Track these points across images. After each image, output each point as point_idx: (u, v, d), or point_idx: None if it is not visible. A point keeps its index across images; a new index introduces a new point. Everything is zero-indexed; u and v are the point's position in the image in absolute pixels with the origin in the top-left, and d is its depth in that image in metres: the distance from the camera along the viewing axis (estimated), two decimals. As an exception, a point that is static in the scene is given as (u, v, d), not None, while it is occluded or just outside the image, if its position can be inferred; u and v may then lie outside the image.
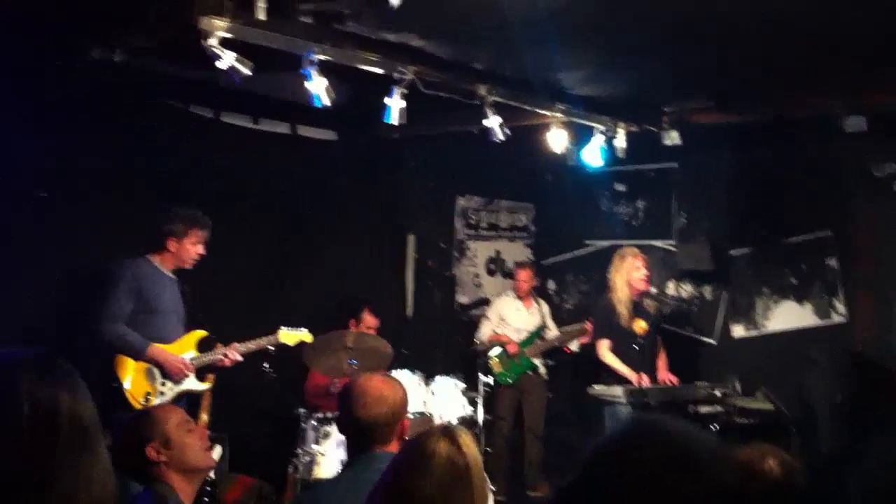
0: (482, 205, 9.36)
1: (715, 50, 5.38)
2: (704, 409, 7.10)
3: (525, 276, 8.26)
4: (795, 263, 7.91)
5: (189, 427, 3.13)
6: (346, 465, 3.29)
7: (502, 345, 7.99)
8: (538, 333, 8.26)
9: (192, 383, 5.82)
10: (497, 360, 8.02)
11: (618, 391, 6.60)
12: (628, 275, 7.03)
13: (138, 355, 5.61)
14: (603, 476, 1.30)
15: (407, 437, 3.17)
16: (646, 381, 6.76)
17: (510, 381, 8.03)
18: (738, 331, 8.26)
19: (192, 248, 5.83)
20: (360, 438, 3.15)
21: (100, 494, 1.50)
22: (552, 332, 8.40)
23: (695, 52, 5.41)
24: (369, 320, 7.28)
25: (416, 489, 2.31)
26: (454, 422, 6.78)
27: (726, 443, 1.97)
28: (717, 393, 6.95)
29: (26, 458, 1.45)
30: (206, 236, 5.88)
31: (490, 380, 7.31)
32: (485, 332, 8.25)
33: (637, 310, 7.04)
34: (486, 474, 5.79)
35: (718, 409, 7.10)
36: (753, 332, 8.16)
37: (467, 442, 2.42)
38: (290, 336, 6.18)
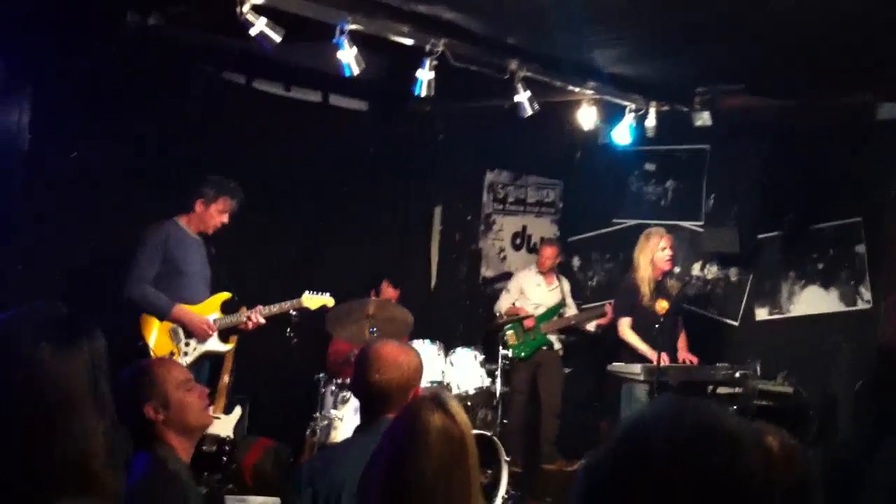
0: (510, 180, 9.37)
1: (749, 34, 5.35)
2: (723, 391, 7.11)
3: (549, 253, 8.28)
4: (823, 249, 7.87)
5: (188, 386, 3.07)
6: (358, 430, 3.33)
7: (520, 319, 8.02)
8: (556, 310, 8.29)
9: (215, 344, 5.92)
10: (512, 333, 8.06)
11: (636, 369, 6.64)
12: (652, 254, 7.04)
13: (163, 315, 5.73)
14: (637, 452, 1.28)
15: None
16: (665, 361, 6.77)
17: (524, 354, 8.06)
18: (762, 314, 8.23)
19: (218, 216, 5.92)
20: (373, 403, 3.19)
21: (81, 449, 1.56)
22: (570, 310, 8.42)
23: (730, 35, 5.38)
24: (389, 292, 7.34)
25: (417, 468, 2.29)
26: (471, 392, 6.85)
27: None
28: (737, 375, 6.95)
29: (19, 417, 1.52)
30: (233, 207, 5.95)
31: (509, 353, 7.35)
32: (504, 304, 8.29)
33: (660, 290, 7.05)
34: (501, 445, 5.84)
35: (738, 390, 7.10)
36: (777, 316, 8.14)
37: (457, 409, 2.41)
38: (313, 300, 6.26)
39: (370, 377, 3.18)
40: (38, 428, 1.53)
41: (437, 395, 2.45)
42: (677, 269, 7.32)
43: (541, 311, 8.20)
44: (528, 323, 8.08)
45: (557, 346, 8.35)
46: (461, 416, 2.40)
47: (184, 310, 5.79)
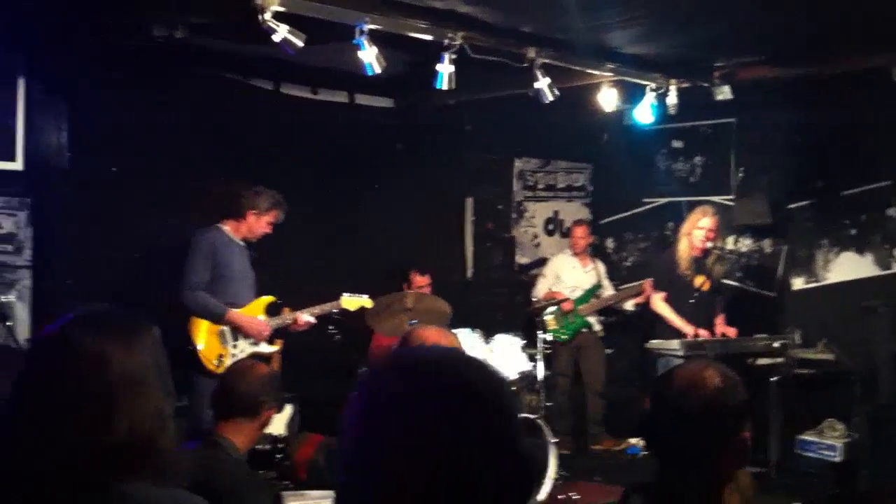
0: (539, 166, 9.45)
1: (763, 4, 5.38)
2: (763, 362, 7.15)
3: (581, 233, 8.35)
4: (855, 214, 7.88)
5: None
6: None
7: (557, 302, 8.11)
8: (593, 292, 8.37)
9: (262, 346, 6.08)
10: (552, 317, 8.15)
11: (674, 344, 6.68)
12: (689, 229, 7.07)
13: (219, 320, 5.91)
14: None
15: None
16: (703, 335, 6.83)
17: (565, 337, 8.16)
18: (798, 283, 8.26)
19: (266, 227, 6.10)
20: None
21: (150, 428, 1.72)
22: (608, 290, 8.49)
23: (745, 7, 5.41)
24: (419, 280, 7.47)
25: None
26: (514, 377, 6.95)
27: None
28: (776, 344, 6.98)
29: (85, 400, 1.69)
30: (280, 219, 6.14)
31: (549, 337, 7.43)
32: (540, 289, 8.38)
33: (699, 266, 7.07)
34: (546, 427, 5.88)
35: (778, 360, 7.14)
36: (813, 284, 8.16)
37: None
38: (352, 302, 6.41)
39: None
40: (108, 411, 1.69)
41: None
42: (717, 247, 7.23)
43: (578, 293, 8.28)
44: (567, 306, 8.16)
45: (597, 327, 8.42)
46: None
47: (237, 314, 5.96)
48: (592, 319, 8.34)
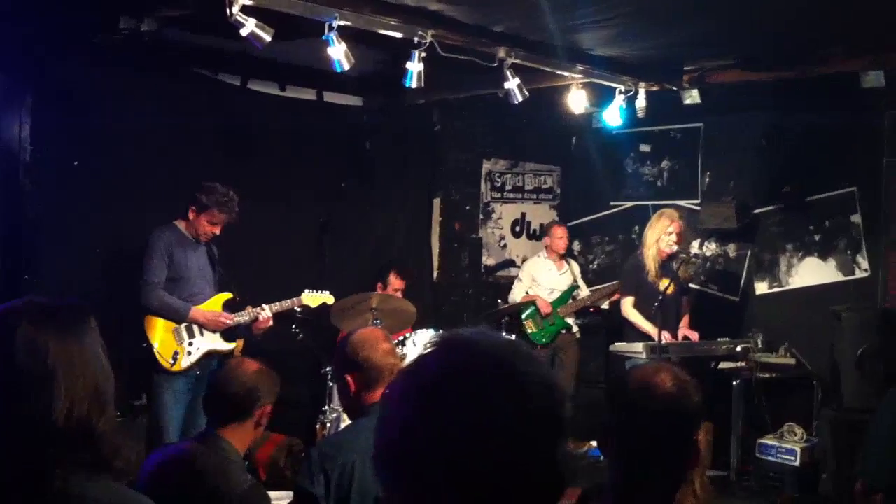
0: (507, 167, 9.44)
1: (735, 8, 5.40)
2: (725, 365, 7.20)
3: (560, 233, 8.28)
4: (820, 220, 7.94)
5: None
6: (359, 415, 3.42)
7: (526, 305, 8.08)
8: (570, 293, 8.35)
9: (219, 343, 6.00)
10: (531, 320, 8.13)
11: (638, 348, 6.70)
12: (658, 235, 7.04)
13: (181, 319, 5.85)
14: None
15: None
16: (667, 338, 6.84)
17: (545, 340, 8.12)
18: (762, 288, 8.31)
19: (207, 226, 5.93)
20: (367, 382, 3.26)
21: (89, 408, 1.70)
22: (584, 291, 8.47)
23: (716, 11, 5.43)
24: (396, 283, 7.42)
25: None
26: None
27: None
28: (738, 349, 7.03)
29: (24, 386, 1.68)
30: (225, 220, 5.95)
31: (513, 338, 7.40)
32: (517, 293, 8.33)
33: (665, 269, 7.07)
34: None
35: (740, 364, 7.19)
36: (777, 289, 8.22)
37: None
38: (314, 298, 6.36)
39: (361, 355, 3.27)
40: (48, 395, 1.67)
41: None
42: (683, 253, 7.21)
43: (555, 295, 8.26)
44: (545, 308, 8.13)
45: (575, 328, 8.40)
46: None
47: (198, 311, 5.91)
48: (570, 320, 8.32)
